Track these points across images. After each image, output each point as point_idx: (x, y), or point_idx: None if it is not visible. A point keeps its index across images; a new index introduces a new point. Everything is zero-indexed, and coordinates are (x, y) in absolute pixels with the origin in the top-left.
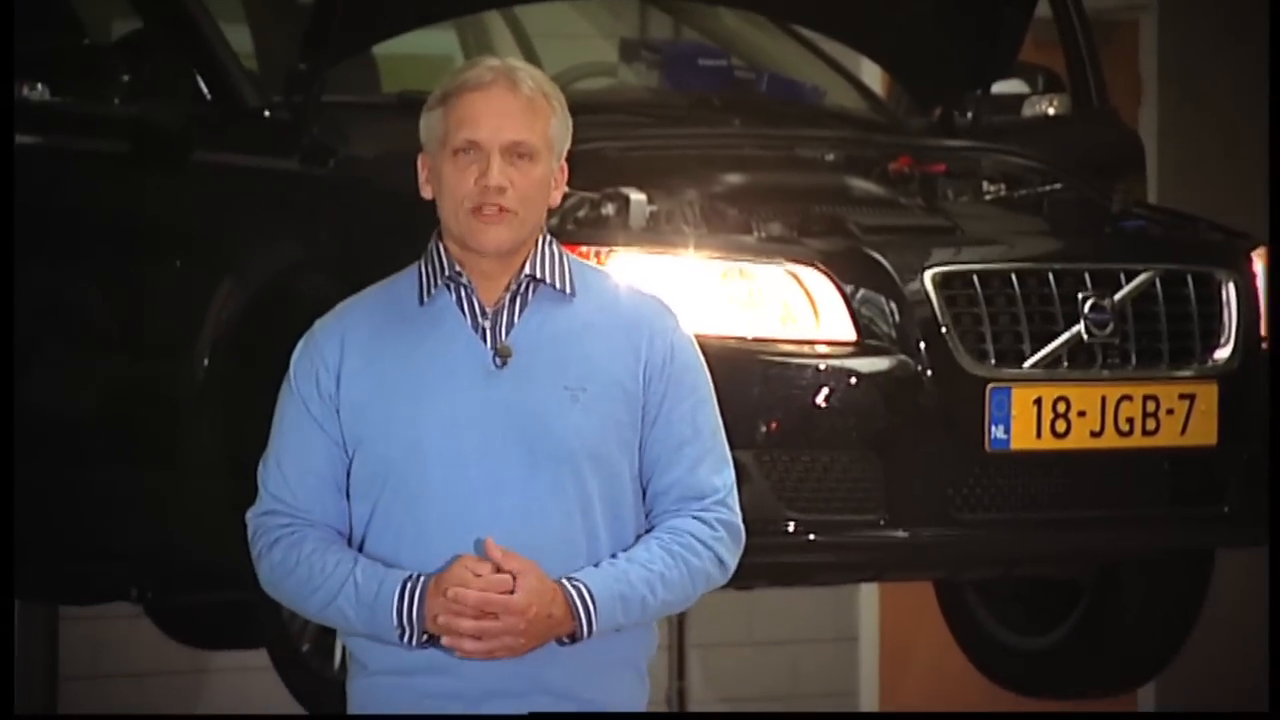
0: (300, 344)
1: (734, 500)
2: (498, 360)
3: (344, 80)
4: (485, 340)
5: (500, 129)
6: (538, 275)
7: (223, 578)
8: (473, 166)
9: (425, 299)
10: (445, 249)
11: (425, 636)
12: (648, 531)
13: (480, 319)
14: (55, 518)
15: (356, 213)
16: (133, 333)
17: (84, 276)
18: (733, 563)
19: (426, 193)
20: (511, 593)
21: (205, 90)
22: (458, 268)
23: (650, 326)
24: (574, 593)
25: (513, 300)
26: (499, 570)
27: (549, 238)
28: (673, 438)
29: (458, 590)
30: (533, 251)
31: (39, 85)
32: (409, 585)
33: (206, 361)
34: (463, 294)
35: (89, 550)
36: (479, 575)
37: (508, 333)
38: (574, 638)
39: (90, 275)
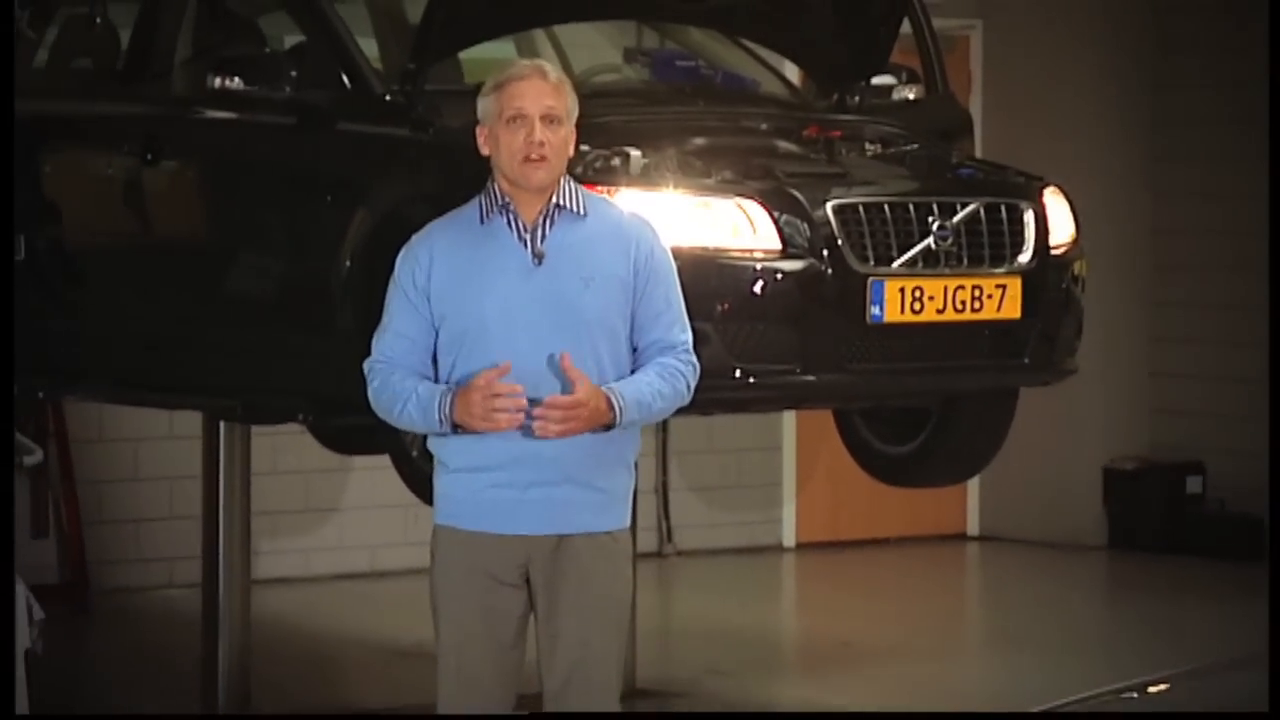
0: (402, 252)
1: (692, 349)
2: (535, 260)
3: (439, 75)
4: (526, 247)
5: (538, 102)
6: (561, 204)
7: (358, 406)
8: (521, 130)
9: (484, 220)
10: (498, 187)
11: (453, 426)
12: (639, 368)
13: (523, 233)
14: (250, 367)
15: (448, 164)
16: (300, 244)
17: (267, 207)
18: (693, 388)
19: (485, 151)
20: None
21: (346, 82)
22: (507, 199)
23: (636, 236)
24: (611, 395)
25: (544, 220)
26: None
27: (569, 178)
28: (653, 309)
29: (503, 398)
30: (558, 188)
31: (235, 79)
32: (444, 394)
33: (348, 263)
34: (510, 217)
35: (271, 387)
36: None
37: (541, 242)
38: (608, 427)
39: (271, 206)
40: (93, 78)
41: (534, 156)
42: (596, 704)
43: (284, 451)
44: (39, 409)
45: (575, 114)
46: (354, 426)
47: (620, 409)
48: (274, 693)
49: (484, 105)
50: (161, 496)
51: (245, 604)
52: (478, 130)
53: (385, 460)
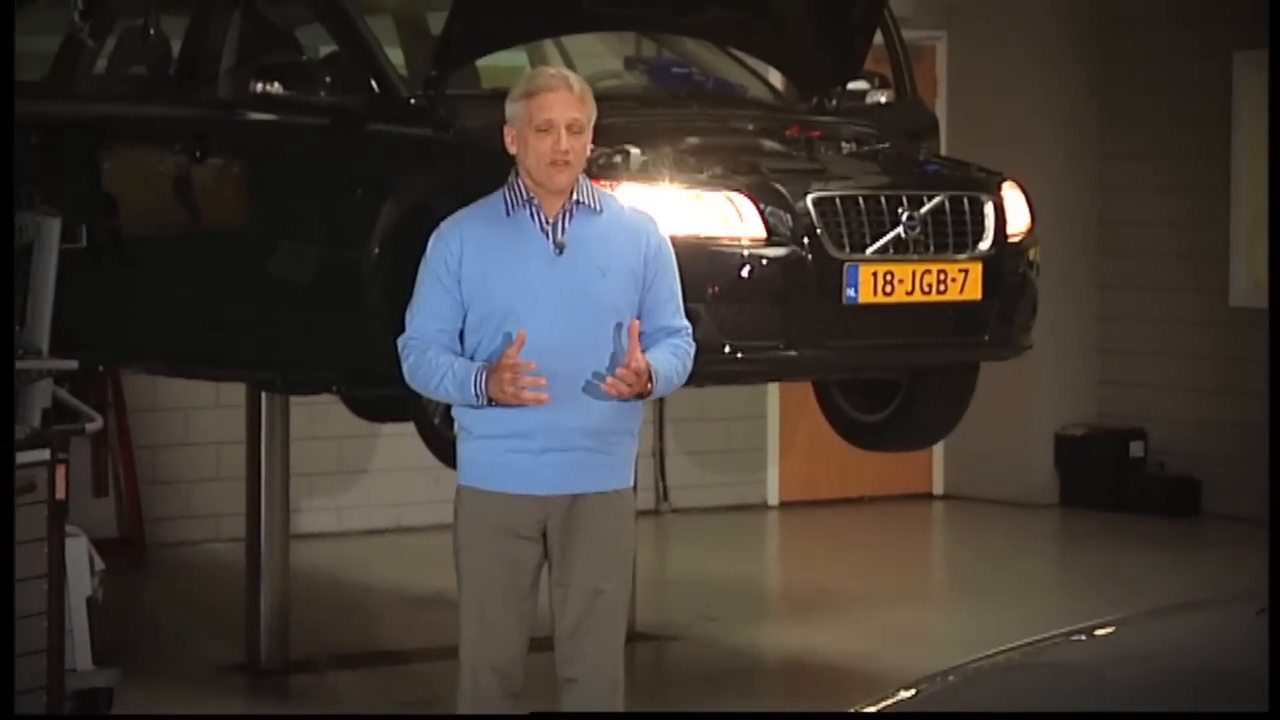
0: (433, 236)
1: (690, 335)
2: (557, 250)
3: (459, 81)
4: (549, 239)
5: (565, 112)
6: (581, 200)
7: (387, 379)
8: (549, 137)
9: (510, 213)
10: (523, 183)
11: (488, 400)
12: (648, 349)
13: (545, 225)
14: (289, 343)
15: (467, 160)
16: (334, 233)
17: (304, 199)
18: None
19: (512, 150)
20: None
21: (375, 87)
22: (531, 195)
23: (646, 231)
24: (651, 368)
25: (565, 214)
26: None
27: (585, 176)
28: (660, 298)
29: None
30: (577, 186)
31: (275, 84)
32: (479, 371)
33: (377, 250)
34: (534, 210)
35: (308, 362)
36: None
37: (562, 234)
38: (641, 395)
39: (307, 198)
40: (147, 83)
41: (559, 162)
42: (604, 647)
43: (319, 419)
44: (99, 381)
45: (594, 119)
46: (382, 396)
47: (655, 383)
48: (310, 636)
49: (513, 109)
50: (209, 460)
51: (284, 557)
52: (505, 130)
53: (410, 427)
